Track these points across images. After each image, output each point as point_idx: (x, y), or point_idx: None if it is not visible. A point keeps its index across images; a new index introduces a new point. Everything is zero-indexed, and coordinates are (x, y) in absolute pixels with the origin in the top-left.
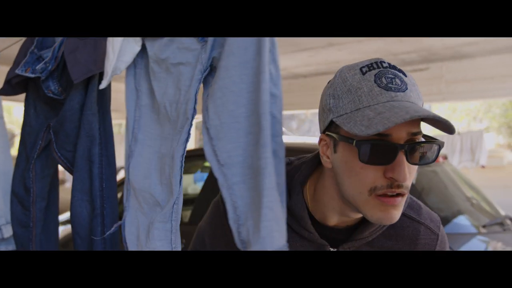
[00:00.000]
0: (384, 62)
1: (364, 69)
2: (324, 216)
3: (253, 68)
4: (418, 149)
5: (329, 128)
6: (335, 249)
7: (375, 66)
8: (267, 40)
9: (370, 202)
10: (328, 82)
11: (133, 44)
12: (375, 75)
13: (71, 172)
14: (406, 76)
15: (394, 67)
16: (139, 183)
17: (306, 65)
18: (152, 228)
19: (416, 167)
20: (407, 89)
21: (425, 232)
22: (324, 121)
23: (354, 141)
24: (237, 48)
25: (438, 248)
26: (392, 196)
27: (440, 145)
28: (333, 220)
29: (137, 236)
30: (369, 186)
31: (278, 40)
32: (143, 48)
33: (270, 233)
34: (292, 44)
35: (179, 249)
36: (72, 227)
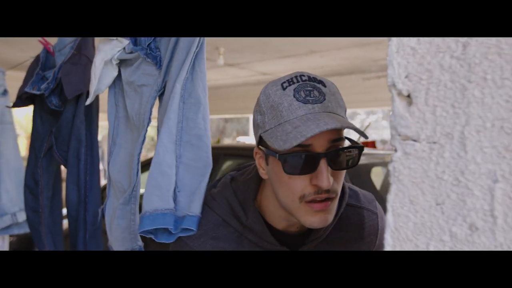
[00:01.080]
0: (304, 76)
1: (284, 85)
2: (275, 223)
3: (184, 88)
4: (339, 155)
5: (260, 142)
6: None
7: (294, 80)
8: (188, 65)
9: (301, 209)
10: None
11: (111, 70)
12: (294, 90)
13: (66, 167)
14: (325, 86)
15: (314, 79)
16: (114, 176)
17: (292, 70)
18: (116, 209)
19: (343, 171)
20: (324, 99)
21: (367, 214)
22: (256, 136)
23: (277, 155)
24: (175, 74)
25: (380, 224)
26: (321, 201)
27: (360, 149)
28: (283, 225)
29: (111, 216)
30: (298, 194)
31: (263, 48)
32: (119, 72)
33: (148, 196)
34: (276, 51)
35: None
36: (66, 209)
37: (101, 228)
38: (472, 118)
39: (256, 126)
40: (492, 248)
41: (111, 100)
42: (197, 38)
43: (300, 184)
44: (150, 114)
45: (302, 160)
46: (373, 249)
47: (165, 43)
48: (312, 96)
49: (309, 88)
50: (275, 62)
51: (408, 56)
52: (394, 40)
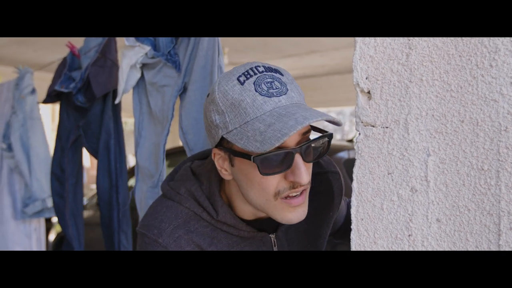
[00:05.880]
0: (260, 66)
1: (241, 79)
2: (245, 216)
3: (207, 90)
4: (311, 147)
5: (221, 143)
6: (273, 234)
7: (251, 73)
8: (216, 74)
9: (277, 206)
10: (208, 96)
11: (135, 73)
12: (254, 83)
13: (95, 157)
14: (283, 74)
15: (269, 69)
16: (142, 163)
17: (293, 69)
18: (146, 192)
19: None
20: (288, 89)
21: (332, 177)
22: (214, 137)
23: (252, 158)
24: (198, 77)
25: (343, 180)
26: (297, 195)
27: (329, 137)
28: (253, 217)
29: (141, 198)
30: (273, 192)
31: (264, 49)
32: (142, 75)
33: None
34: (278, 51)
35: None
36: (97, 194)
37: (129, 208)
38: (413, 109)
39: (214, 126)
40: (426, 205)
41: (135, 99)
42: (216, 44)
43: (274, 181)
44: (173, 110)
45: (279, 158)
46: (338, 209)
47: (183, 49)
48: (274, 88)
49: (269, 79)
50: (276, 62)
51: (368, 62)
52: (358, 50)
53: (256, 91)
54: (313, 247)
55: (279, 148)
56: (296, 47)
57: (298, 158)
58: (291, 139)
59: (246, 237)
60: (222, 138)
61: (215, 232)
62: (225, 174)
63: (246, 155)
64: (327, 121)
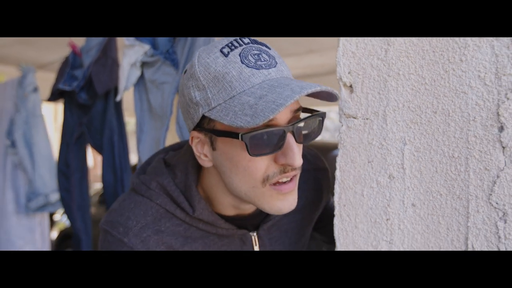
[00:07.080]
0: (245, 38)
1: (225, 50)
2: (225, 211)
3: None
4: (303, 126)
5: (201, 124)
6: (255, 232)
7: (236, 44)
8: None
9: (265, 194)
10: (185, 72)
11: (135, 71)
12: (240, 55)
13: (99, 153)
14: (270, 48)
15: (255, 42)
16: (144, 158)
17: (293, 68)
18: None
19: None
20: (277, 63)
21: (321, 174)
22: (192, 118)
23: (240, 135)
24: None
25: (331, 176)
26: (287, 181)
27: (322, 117)
28: (233, 213)
29: None
30: (261, 177)
31: None
32: (142, 74)
33: None
34: (277, 50)
35: None
36: (103, 189)
37: None
38: (390, 101)
39: (193, 105)
40: (402, 191)
41: (136, 96)
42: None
43: (263, 165)
44: (171, 106)
45: (269, 137)
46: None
47: (181, 47)
48: (262, 60)
49: (256, 51)
50: None
51: (350, 58)
52: (341, 46)
53: (242, 62)
54: (296, 246)
55: (268, 126)
56: (295, 46)
57: (290, 137)
58: (282, 117)
59: (225, 235)
60: (203, 118)
61: (189, 231)
62: (205, 160)
63: (232, 134)
64: (322, 98)
